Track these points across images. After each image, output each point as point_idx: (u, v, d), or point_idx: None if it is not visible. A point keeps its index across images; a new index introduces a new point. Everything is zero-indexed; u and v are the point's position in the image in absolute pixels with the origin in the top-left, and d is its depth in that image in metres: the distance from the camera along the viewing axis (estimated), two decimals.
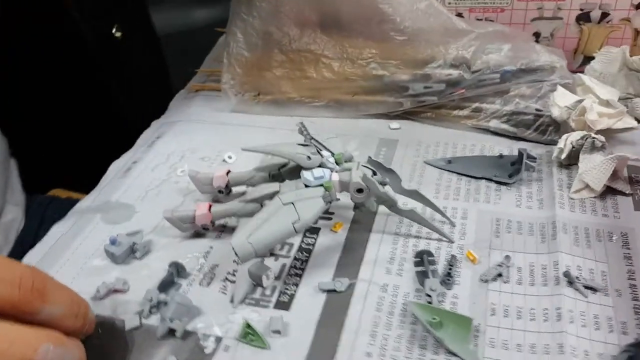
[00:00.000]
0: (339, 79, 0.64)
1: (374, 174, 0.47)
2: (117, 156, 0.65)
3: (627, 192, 0.51)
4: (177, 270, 0.47)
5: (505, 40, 0.61)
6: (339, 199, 0.47)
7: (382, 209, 0.49)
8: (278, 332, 0.41)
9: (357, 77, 0.63)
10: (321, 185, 0.46)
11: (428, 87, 0.61)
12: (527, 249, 0.47)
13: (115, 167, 0.63)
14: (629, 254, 0.45)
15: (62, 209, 0.59)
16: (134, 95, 0.92)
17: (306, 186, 0.46)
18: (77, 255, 0.50)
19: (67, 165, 0.96)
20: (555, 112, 0.56)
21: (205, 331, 0.42)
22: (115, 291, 0.46)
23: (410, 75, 0.62)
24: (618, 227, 0.48)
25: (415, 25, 0.60)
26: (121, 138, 0.69)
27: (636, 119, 0.57)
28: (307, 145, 0.48)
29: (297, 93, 0.66)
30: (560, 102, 0.56)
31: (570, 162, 0.54)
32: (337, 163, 0.48)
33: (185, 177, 0.59)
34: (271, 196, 0.47)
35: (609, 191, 0.51)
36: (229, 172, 0.53)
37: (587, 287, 0.42)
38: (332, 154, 0.49)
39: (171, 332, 0.42)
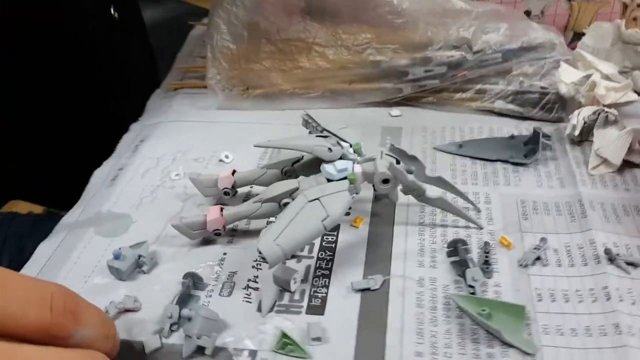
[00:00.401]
0: (334, 68, 0.61)
1: (397, 162, 0.44)
2: (89, 163, 0.59)
3: None
4: (194, 282, 0.43)
5: (501, 19, 0.60)
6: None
7: (401, 199, 0.46)
8: (318, 339, 0.38)
9: (353, 65, 0.60)
10: (344, 178, 0.43)
11: (429, 70, 0.59)
12: (559, 230, 0.45)
13: (99, 176, 0.58)
14: None
15: (24, 223, 0.54)
16: (130, 93, 0.84)
17: (328, 180, 0.43)
18: (74, 275, 0.45)
19: (25, 176, 0.88)
20: (563, 89, 0.55)
21: (236, 345, 0.39)
22: (127, 310, 0.42)
23: (409, 59, 0.59)
24: None
25: (413, 7, 0.58)
26: (92, 142, 0.63)
27: (636, 92, 0.57)
28: (325, 136, 0.45)
29: (289, 85, 0.62)
30: (566, 78, 0.55)
31: (582, 138, 0.54)
32: (356, 154, 0.45)
33: (181, 181, 0.55)
34: (290, 194, 0.44)
35: (625, 165, 0.51)
36: (234, 172, 0.49)
37: (628, 264, 0.41)
38: (350, 145, 0.46)
39: (199, 350, 0.38)
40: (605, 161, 0.50)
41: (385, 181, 0.43)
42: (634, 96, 0.56)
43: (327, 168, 0.43)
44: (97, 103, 0.87)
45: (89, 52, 0.85)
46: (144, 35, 1.01)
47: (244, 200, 0.51)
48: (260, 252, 0.39)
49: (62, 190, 0.60)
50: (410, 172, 0.44)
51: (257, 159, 0.57)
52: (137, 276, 0.45)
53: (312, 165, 0.46)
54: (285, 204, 0.44)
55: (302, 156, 0.47)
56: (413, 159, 0.46)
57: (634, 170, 0.50)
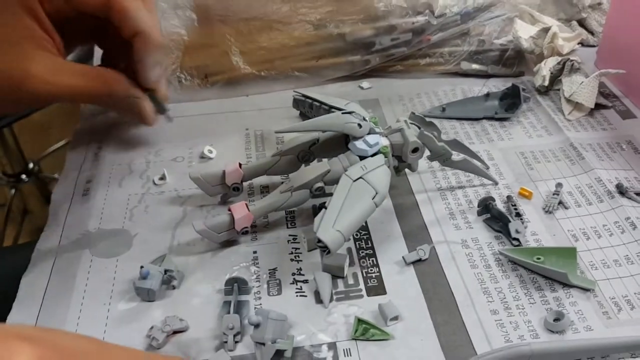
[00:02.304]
0: (299, 45, 0.59)
1: (421, 130, 0.44)
2: None
3: (608, 105, 0.55)
4: (239, 287, 0.39)
5: None
6: None
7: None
8: (396, 318, 0.37)
9: (318, 40, 0.58)
10: (376, 153, 0.42)
11: (395, 39, 0.59)
12: (564, 174, 0.48)
13: (62, 191, 0.50)
14: None
15: None
16: None
17: (360, 157, 0.42)
18: (90, 305, 0.40)
19: None
20: (525, 44, 0.58)
21: (312, 342, 0.37)
22: (175, 332, 0.38)
23: (373, 29, 0.59)
24: (620, 136, 0.52)
25: None
26: None
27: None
28: (350, 112, 0.43)
29: (253, 67, 0.59)
30: (524, 34, 0.58)
31: (548, 88, 0.57)
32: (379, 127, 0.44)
33: (168, 185, 0.50)
34: (322, 178, 0.42)
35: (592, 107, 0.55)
36: (240, 164, 0.46)
37: (637, 194, 0.45)
38: (364, 119, 0.45)
39: (276, 355, 0.36)
40: (577, 105, 0.54)
41: (415, 150, 0.43)
42: (576, 45, 0.60)
43: (358, 145, 0.42)
44: None
45: None
46: None
47: (249, 194, 0.48)
48: (319, 241, 0.37)
49: None
50: (435, 138, 0.44)
51: (242, 150, 0.53)
52: (168, 293, 0.40)
53: (331, 146, 0.45)
54: (318, 189, 0.42)
55: (318, 138, 0.45)
56: (430, 124, 0.46)
57: (601, 111, 0.55)
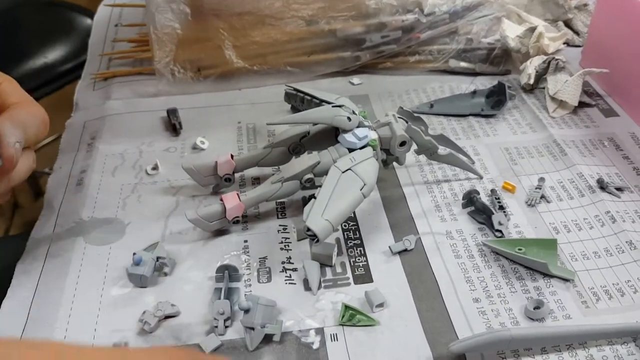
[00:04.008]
0: (292, 40, 0.60)
1: (408, 124, 0.45)
2: None
3: (591, 103, 0.57)
4: (229, 274, 0.40)
5: None
6: None
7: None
8: (382, 305, 0.39)
9: (310, 35, 0.60)
10: (365, 145, 0.43)
11: (385, 36, 0.60)
12: (547, 169, 0.49)
13: (56, 181, 0.51)
14: (625, 154, 0.51)
15: None
16: None
17: (349, 150, 0.43)
18: (84, 291, 0.41)
19: None
20: (512, 43, 0.59)
21: (300, 327, 0.38)
22: (167, 317, 0.39)
23: (364, 26, 0.60)
24: (602, 134, 0.53)
25: None
26: None
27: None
28: (340, 106, 0.44)
29: (245, 62, 0.60)
30: (511, 33, 0.60)
31: (533, 86, 0.59)
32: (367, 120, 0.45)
33: (161, 175, 0.51)
34: (312, 169, 0.43)
35: (576, 105, 0.56)
36: (232, 156, 0.47)
37: (617, 189, 0.47)
38: (354, 112, 0.46)
39: (265, 340, 0.37)
40: (561, 103, 0.56)
41: (402, 144, 0.44)
42: (562, 45, 0.62)
43: (347, 137, 0.43)
44: None
45: None
46: None
47: (241, 185, 0.49)
48: (308, 230, 0.38)
49: None
50: (423, 132, 0.45)
51: (234, 142, 0.54)
52: (160, 280, 0.41)
53: (321, 138, 0.46)
54: (308, 180, 0.43)
55: (309, 130, 0.46)
56: (418, 119, 0.47)
57: (585, 109, 0.56)
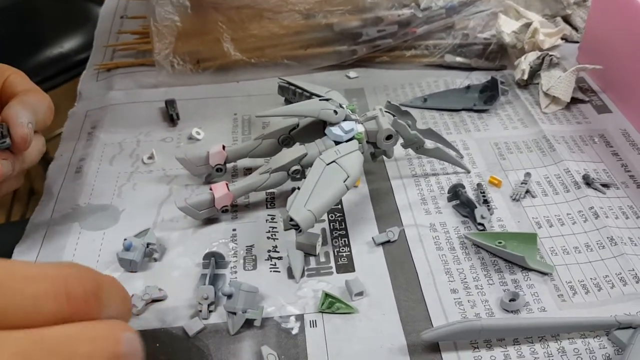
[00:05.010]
0: (289, 33, 0.61)
1: (395, 118, 0.46)
2: None
3: (585, 99, 0.57)
4: (216, 261, 0.42)
5: None
6: None
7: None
8: (361, 293, 0.40)
9: (307, 29, 0.60)
10: (351, 138, 0.44)
11: (381, 30, 0.61)
12: (535, 164, 0.50)
13: (56, 169, 0.53)
14: (614, 151, 0.51)
15: None
16: None
17: (336, 143, 0.44)
18: None
19: None
20: (507, 39, 0.60)
21: (280, 313, 0.39)
22: (154, 301, 0.40)
23: (360, 20, 0.61)
24: (593, 130, 0.54)
25: None
26: None
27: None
28: (327, 99, 0.45)
29: (242, 54, 0.61)
30: (507, 28, 0.60)
31: (528, 81, 0.59)
32: (354, 114, 0.46)
33: (157, 164, 0.52)
34: (299, 161, 0.44)
35: (570, 101, 0.57)
36: (224, 147, 0.48)
37: (603, 185, 0.47)
38: (341, 106, 0.47)
39: (245, 324, 0.38)
40: (554, 99, 0.56)
41: (389, 137, 0.45)
42: (559, 40, 0.62)
43: (333, 130, 0.44)
44: None
45: None
46: None
47: (233, 175, 0.51)
48: (291, 220, 0.39)
49: None
50: (408, 127, 0.46)
51: (229, 133, 0.55)
52: (150, 265, 0.43)
53: (310, 131, 0.47)
54: (295, 172, 0.44)
55: (298, 123, 0.47)
56: (406, 114, 0.48)
57: (578, 106, 0.57)
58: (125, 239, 0.42)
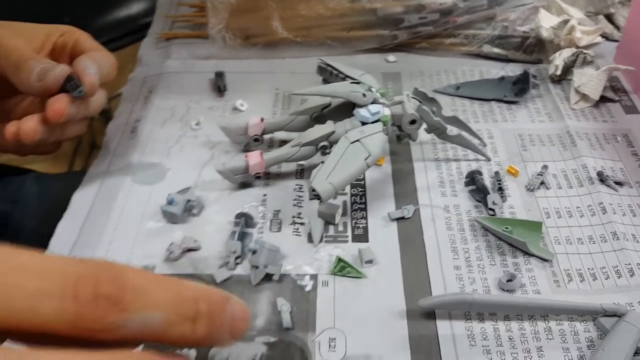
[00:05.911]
0: (334, 15, 0.64)
1: (420, 104, 0.49)
2: None
3: (614, 99, 0.58)
4: (246, 221, 0.47)
5: None
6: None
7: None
8: (370, 261, 0.44)
9: (351, 12, 0.64)
10: (377, 120, 0.48)
11: (423, 17, 0.63)
12: (554, 158, 0.52)
13: (114, 127, 0.59)
14: (634, 151, 0.53)
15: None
16: None
17: (362, 123, 0.48)
18: (125, 221, 0.48)
19: None
20: (544, 33, 0.61)
21: (297, 272, 0.44)
22: (189, 250, 0.46)
23: (403, 6, 0.63)
24: (618, 129, 0.55)
25: None
26: None
27: (600, 35, 0.65)
28: (358, 82, 0.49)
29: (289, 33, 0.65)
30: (546, 23, 0.62)
31: (561, 77, 0.61)
32: (383, 97, 0.50)
33: (203, 130, 0.57)
34: (327, 137, 0.48)
35: (600, 99, 0.58)
36: (262, 119, 0.53)
37: (616, 183, 0.49)
38: (371, 89, 0.50)
39: (266, 278, 0.43)
40: (584, 97, 0.58)
41: (413, 122, 0.48)
42: (599, 38, 0.63)
43: (361, 112, 0.48)
44: None
45: None
46: None
47: (269, 146, 0.56)
48: (314, 190, 0.43)
49: None
50: (433, 113, 0.49)
51: (270, 106, 0.60)
52: (189, 219, 0.48)
53: (341, 110, 0.51)
54: (322, 147, 0.49)
55: (330, 102, 0.51)
56: (432, 100, 0.51)
57: (607, 104, 0.58)
58: (169, 195, 0.47)
